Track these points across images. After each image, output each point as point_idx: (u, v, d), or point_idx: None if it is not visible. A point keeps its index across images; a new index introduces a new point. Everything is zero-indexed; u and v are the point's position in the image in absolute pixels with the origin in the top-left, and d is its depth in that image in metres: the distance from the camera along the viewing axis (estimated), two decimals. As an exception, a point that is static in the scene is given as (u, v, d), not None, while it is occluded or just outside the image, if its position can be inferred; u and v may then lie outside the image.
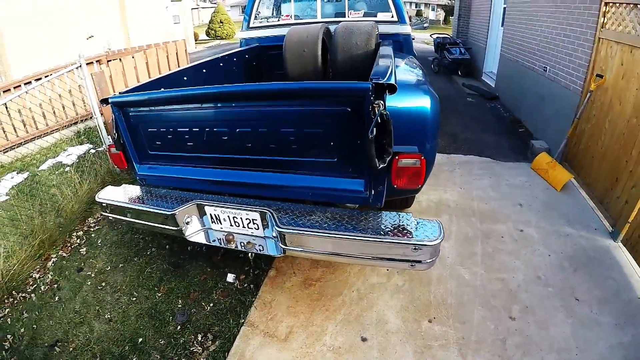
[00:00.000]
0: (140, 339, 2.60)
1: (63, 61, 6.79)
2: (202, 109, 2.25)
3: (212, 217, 2.40)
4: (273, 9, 4.87)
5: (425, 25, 30.40)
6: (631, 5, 3.28)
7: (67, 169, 4.98)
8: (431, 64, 11.05)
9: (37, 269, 3.36)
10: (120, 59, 5.48)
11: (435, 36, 11.26)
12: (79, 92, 6.29)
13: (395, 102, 2.10)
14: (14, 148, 5.87)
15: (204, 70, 3.47)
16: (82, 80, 4.51)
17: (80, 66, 4.41)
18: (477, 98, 7.86)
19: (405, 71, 2.96)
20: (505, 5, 7.69)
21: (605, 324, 2.42)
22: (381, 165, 1.86)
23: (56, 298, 3.05)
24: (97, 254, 3.50)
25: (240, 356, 2.34)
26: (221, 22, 24.33)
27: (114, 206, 2.62)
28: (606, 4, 3.70)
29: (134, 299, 2.94)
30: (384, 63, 2.34)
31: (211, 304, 2.81)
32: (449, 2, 31.57)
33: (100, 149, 5.15)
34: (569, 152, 4.38)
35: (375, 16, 4.21)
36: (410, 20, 4.32)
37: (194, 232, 2.45)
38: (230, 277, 3.00)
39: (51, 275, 3.30)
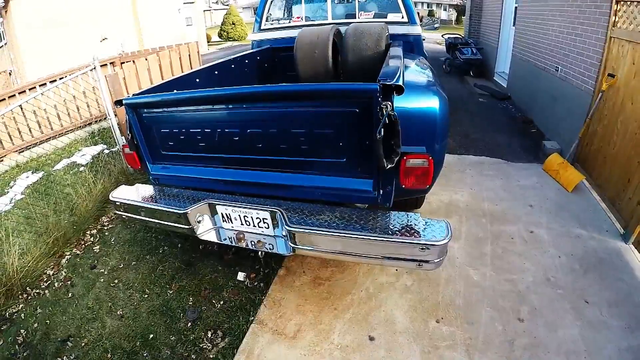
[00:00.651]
0: (151, 335, 2.64)
1: (77, 63, 6.91)
2: (214, 110, 2.29)
3: (223, 216, 2.44)
4: (284, 11, 4.91)
5: (436, 25, 30.20)
6: (643, 4, 3.25)
7: (82, 168, 5.07)
8: (443, 65, 10.99)
9: (51, 266, 3.44)
10: (133, 61, 5.56)
11: (446, 36, 11.20)
12: (92, 94, 6.40)
13: (404, 102, 2.11)
14: (30, 148, 6.00)
15: (216, 72, 3.51)
16: (96, 82, 4.59)
17: (95, 68, 4.49)
18: (488, 98, 7.80)
19: (415, 72, 2.96)
20: (516, 5, 7.63)
21: (614, 327, 2.40)
22: (389, 166, 1.87)
23: (69, 294, 3.12)
24: (110, 251, 3.57)
25: (249, 353, 2.37)
26: (233, 24, 24.49)
27: (128, 205, 2.67)
28: (617, 2, 3.66)
29: (146, 296, 2.99)
30: (393, 64, 2.35)
31: (221, 302, 2.84)
32: (461, 2, 31.35)
33: (114, 150, 5.23)
34: (581, 153, 4.33)
35: (386, 17, 4.22)
36: (421, 21, 4.32)
37: (206, 230, 2.49)
38: (240, 276, 3.04)
39: (65, 272, 3.37)
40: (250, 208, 2.31)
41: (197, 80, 3.23)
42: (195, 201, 2.45)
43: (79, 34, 10.77)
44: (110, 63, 7.48)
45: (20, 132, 6.00)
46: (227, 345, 2.50)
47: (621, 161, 3.47)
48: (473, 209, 3.69)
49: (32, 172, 5.38)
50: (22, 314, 2.98)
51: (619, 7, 3.66)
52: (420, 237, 1.93)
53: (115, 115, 4.63)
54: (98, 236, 3.83)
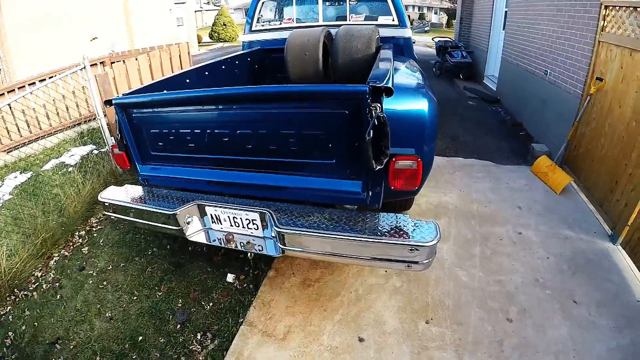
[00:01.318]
0: (140, 337, 2.62)
1: (67, 63, 6.83)
2: (204, 111, 2.28)
3: (212, 217, 2.43)
4: (275, 13, 4.91)
5: (426, 28, 30.38)
6: (631, 9, 3.30)
7: (70, 169, 5.02)
8: (433, 68, 11.06)
9: (39, 268, 3.39)
10: (123, 61, 5.51)
11: (437, 39, 11.27)
12: (82, 94, 6.34)
13: (393, 104, 2.12)
14: (18, 148, 5.92)
15: (206, 73, 3.50)
16: (86, 82, 4.55)
17: (84, 68, 4.45)
18: (478, 101, 7.87)
19: (405, 74, 2.98)
20: (506, 9, 7.71)
21: (603, 327, 2.43)
22: (378, 167, 1.88)
23: (58, 296, 3.08)
24: (99, 253, 3.53)
25: (239, 355, 2.36)
26: (224, 25, 24.39)
27: (116, 206, 2.65)
28: (606, 7, 3.71)
29: (135, 298, 2.96)
30: (383, 66, 2.36)
31: (211, 304, 2.83)
32: (452, 5, 31.59)
33: (103, 150, 5.18)
34: (569, 155, 4.38)
35: (377, 20, 4.24)
36: (411, 24, 4.34)
37: (195, 231, 2.48)
38: (230, 277, 3.03)
39: (53, 273, 3.33)
40: (239, 209, 2.30)
41: (187, 80, 3.21)
42: (185, 202, 2.44)
43: (70, 33, 10.65)
44: (101, 63, 7.40)
45: (8, 132, 5.92)
46: (217, 347, 2.48)
47: (609, 163, 3.52)
48: (462, 210, 3.71)
49: (21, 172, 5.31)
50: (10, 316, 2.93)
51: (607, 12, 3.72)
52: (409, 238, 1.94)
53: (105, 115, 4.59)
54: (87, 237, 3.79)
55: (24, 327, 2.83)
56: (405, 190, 2.11)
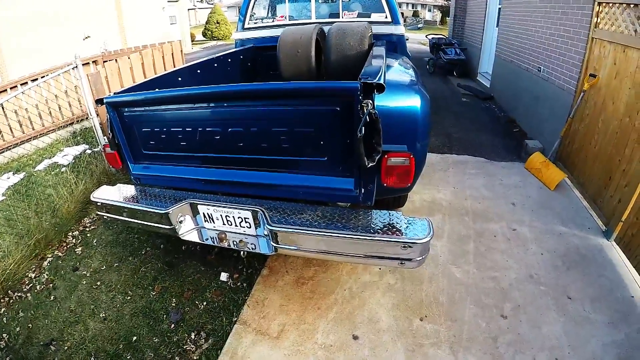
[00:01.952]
0: (134, 337, 2.61)
1: (59, 62, 6.79)
2: (195, 109, 2.27)
3: (205, 216, 2.42)
4: (268, 10, 4.89)
5: (419, 25, 30.42)
6: (624, 5, 3.30)
7: (63, 169, 4.98)
8: (426, 65, 11.08)
9: (33, 269, 3.37)
10: (116, 60, 5.47)
11: (430, 37, 11.28)
12: (75, 93, 6.29)
13: (385, 101, 2.12)
14: (10, 148, 5.88)
15: (199, 71, 3.48)
16: (78, 81, 4.51)
17: (77, 67, 4.42)
18: (472, 98, 7.88)
19: (397, 71, 2.97)
20: (500, 6, 7.72)
21: (598, 323, 2.43)
22: (370, 164, 1.87)
23: (52, 297, 3.06)
24: (93, 253, 3.51)
25: (233, 354, 2.36)
26: (218, 23, 24.30)
27: (109, 205, 2.64)
28: (599, 3, 3.72)
29: (129, 297, 2.95)
30: (375, 63, 2.36)
31: (204, 303, 2.82)
32: (445, 3, 31.61)
33: (96, 150, 5.15)
34: (563, 152, 4.40)
35: (369, 17, 4.23)
36: (404, 21, 4.34)
37: (187, 230, 2.47)
38: (223, 276, 3.02)
39: (47, 274, 3.31)
40: (231, 207, 2.29)
41: (180, 79, 3.20)
42: (177, 201, 2.43)
43: (62, 32, 10.58)
44: (93, 62, 7.36)
45: (0, 133, 5.87)
46: (211, 347, 2.48)
47: (602, 159, 3.53)
48: (456, 207, 3.72)
49: (13, 173, 5.28)
50: (4, 318, 2.92)
51: (600, 8, 3.73)
52: (402, 235, 1.94)
53: (97, 114, 4.56)
54: (80, 238, 3.77)
55: (18, 329, 2.81)
56: (398, 187, 2.10)
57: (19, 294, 3.12)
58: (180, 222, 2.41)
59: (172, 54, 6.63)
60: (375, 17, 4.19)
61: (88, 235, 3.80)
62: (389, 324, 2.50)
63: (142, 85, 2.82)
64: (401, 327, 2.47)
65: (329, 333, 2.46)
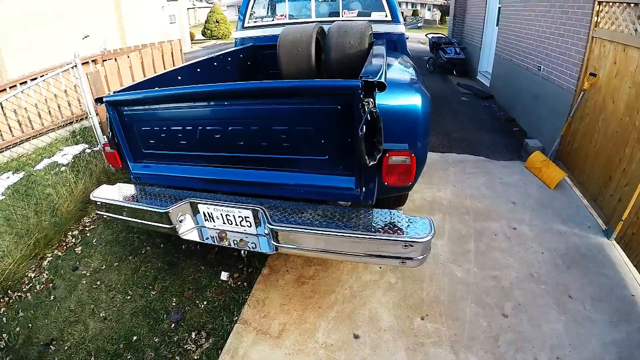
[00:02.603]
0: (134, 337, 2.60)
1: (59, 61, 6.77)
2: (196, 108, 2.26)
3: (205, 215, 2.41)
4: (268, 9, 4.88)
5: (419, 24, 30.39)
6: (624, 5, 3.31)
7: (63, 168, 4.97)
8: (426, 64, 11.08)
9: (33, 268, 3.36)
10: (115, 59, 5.48)
11: (430, 36, 11.28)
12: (74, 92, 6.27)
13: (386, 100, 2.11)
14: (10, 148, 5.86)
15: (199, 70, 3.48)
16: (78, 80, 4.50)
17: (76, 66, 4.41)
18: (471, 97, 7.88)
19: (398, 70, 2.97)
20: (500, 5, 7.72)
21: (598, 321, 2.44)
22: (371, 163, 1.87)
23: (51, 297, 3.05)
24: (93, 253, 3.50)
25: (234, 353, 2.35)
26: (217, 22, 24.28)
27: (108, 205, 2.63)
28: (599, 3, 3.73)
29: (129, 297, 2.94)
30: (376, 62, 2.36)
31: (205, 302, 2.82)
32: (445, 2, 31.61)
33: (95, 149, 5.13)
34: (563, 151, 4.40)
35: (369, 16, 4.22)
36: (404, 20, 4.33)
37: (188, 230, 2.46)
38: (224, 275, 3.01)
39: (46, 274, 3.30)
40: (232, 207, 2.28)
41: (179, 78, 3.19)
42: (177, 200, 2.42)
43: (61, 31, 10.55)
44: (92, 61, 7.34)
45: (0, 132, 5.85)
46: (212, 346, 2.47)
47: (602, 159, 3.53)
48: (456, 206, 3.72)
49: (13, 173, 5.26)
50: (4, 318, 2.91)
51: (600, 7, 3.73)
52: (403, 234, 1.94)
53: (97, 113, 4.55)
54: (80, 237, 3.76)
55: (18, 329, 2.80)
56: (399, 186, 2.10)
57: (19, 294, 3.11)
58: (181, 221, 2.40)
59: (172, 53, 6.63)
60: (375, 15, 4.19)
61: (88, 234, 3.79)
62: (390, 323, 2.50)
63: (142, 84, 2.82)
64: (402, 326, 2.47)
65: (330, 332, 2.45)
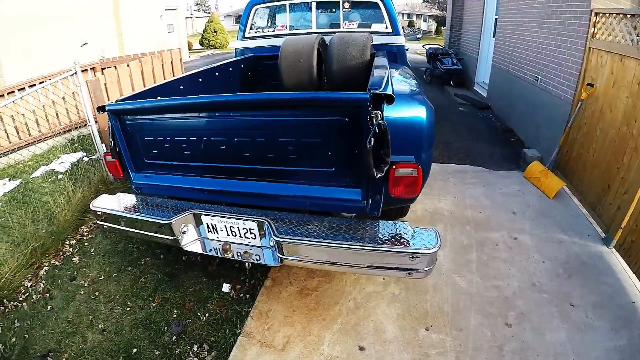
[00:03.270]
0: (134, 350, 2.56)
1: (57, 68, 6.75)
2: (200, 118, 2.25)
3: (208, 227, 2.39)
4: (268, 20, 4.90)
5: (418, 36, 30.71)
6: (621, 16, 3.37)
7: (60, 176, 4.94)
8: (424, 75, 11.15)
9: (29, 278, 3.30)
10: (115, 67, 5.47)
11: (427, 47, 11.38)
12: (72, 99, 6.26)
13: (391, 112, 2.12)
14: (7, 154, 5.80)
15: (200, 80, 3.47)
16: (77, 88, 4.48)
17: (76, 73, 4.39)
18: (469, 108, 7.94)
19: (401, 81, 2.99)
20: (496, 17, 7.81)
21: (600, 329, 2.45)
22: (379, 175, 1.87)
23: (48, 307, 2.99)
24: (91, 263, 3.46)
25: (237, 366, 2.33)
26: (215, 32, 24.33)
27: (109, 215, 2.59)
28: (596, 14, 3.78)
29: (128, 309, 2.90)
30: (381, 74, 2.36)
31: (207, 314, 2.78)
32: (441, 13, 31.93)
33: (93, 157, 5.10)
34: (561, 160, 4.43)
35: (370, 27, 4.26)
36: (403, 31, 4.37)
37: (190, 241, 2.43)
38: (225, 287, 2.98)
39: (43, 284, 3.24)
40: (236, 218, 2.26)
41: (181, 87, 3.18)
42: (180, 211, 2.40)
43: (60, 38, 10.53)
44: (91, 68, 7.34)
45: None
46: (214, 359, 2.44)
47: (601, 167, 3.56)
48: (457, 216, 3.72)
49: (9, 180, 5.20)
50: None
51: (597, 18, 3.79)
52: (410, 245, 1.93)
53: (96, 121, 4.53)
54: (77, 247, 3.71)
55: (14, 339, 2.74)
56: (405, 197, 2.10)
57: (15, 303, 3.05)
58: (183, 232, 2.37)
59: (172, 62, 6.64)
60: (375, 27, 4.22)
61: (86, 244, 3.75)
62: (394, 334, 2.48)
63: (144, 93, 2.80)
64: (407, 337, 2.45)
65: (334, 344, 2.43)
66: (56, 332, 2.76)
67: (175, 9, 19.96)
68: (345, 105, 1.92)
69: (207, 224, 2.38)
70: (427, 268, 1.95)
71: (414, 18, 43.00)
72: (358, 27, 4.35)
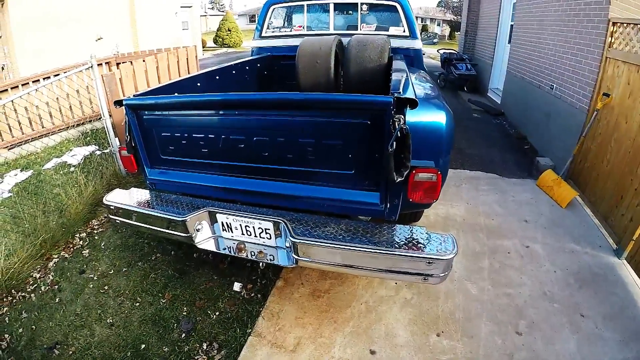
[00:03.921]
0: (143, 345, 2.55)
1: (71, 61, 6.79)
2: (220, 116, 2.25)
3: (223, 225, 2.38)
4: (285, 19, 4.90)
5: (435, 40, 30.43)
6: (639, 26, 3.33)
7: (72, 169, 4.95)
8: (437, 79, 11.11)
9: (38, 269, 3.32)
10: (131, 62, 5.48)
11: (442, 51, 11.35)
12: (86, 93, 6.29)
13: (410, 116, 2.10)
14: (20, 145, 5.85)
15: (217, 77, 3.48)
16: (92, 81, 4.50)
17: (92, 67, 4.41)
18: (482, 114, 7.90)
19: (420, 86, 2.97)
20: (512, 23, 7.77)
21: (610, 340, 2.44)
22: (399, 179, 1.86)
23: (57, 299, 3.00)
24: (100, 256, 3.47)
25: (247, 366, 2.32)
26: (229, 30, 24.44)
27: (123, 210, 2.59)
28: (614, 24, 3.75)
29: (137, 304, 2.90)
30: (402, 77, 2.35)
31: (217, 313, 2.77)
32: (455, 17, 31.76)
33: (106, 151, 5.12)
34: (574, 170, 4.39)
35: (387, 30, 4.25)
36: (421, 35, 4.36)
37: (204, 239, 2.43)
38: (237, 286, 2.96)
39: (52, 275, 3.25)
40: (252, 218, 2.26)
41: (198, 84, 3.19)
42: (194, 208, 2.40)
43: (75, 32, 10.62)
44: (106, 63, 7.38)
45: (10, 128, 5.84)
46: (224, 358, 2.43)
47: (614, 178, 3.52)
48: (470, 223, 3.71)
49: (21, 170, 5.23)
50: (7, 318, 2.85)
51: (615, 28, 3.75)
52: (426, 251, 1.92)
53: (110, 115, 4.55)
54: (88, 240, 3.72)
55: (20, 330, 2.75)
56: (424, 202, 2.09)
57: (23, 294, 3.06)
58: (198, 230, 2.37)
59: (187, 59, 6.65)
60: (393, 30, 4.21)
61: (96, 237, 3.76)
62: (406, 339, 2.47)
63: (161, 89, 2.80)
64: (418, 343, 2.44)
65: (346, 347, 2.42)
66: (64, 325, 2.76)
67: (190, 7, 20.02)
68: (368, 108, 1.91)
69: (222, 222, 2.38)
70: (443, 274, 1.94)
71: (428, 22, 42.83)
72: (375, 29, 4.34)
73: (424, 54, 4.28)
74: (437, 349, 2.39)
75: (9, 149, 5.82)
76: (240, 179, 2.37)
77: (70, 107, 6.37)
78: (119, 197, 2.69)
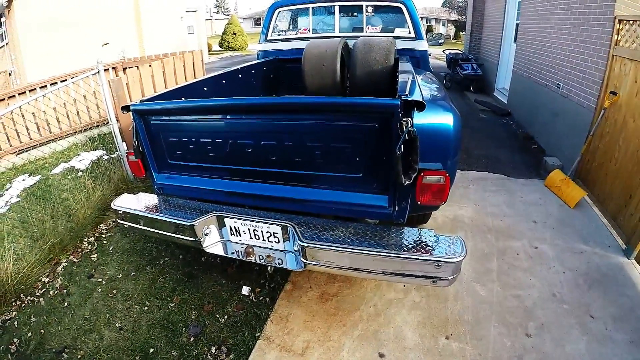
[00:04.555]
0: (151, 350, 2.56)
1: (78, 67, 6.85)
2: (227, 120, 2.26)
3: (231, 229, 2.39)
4: (291, 22, 4.91)
5: (440, 41, 30.30)
6: (645, 23, 3.30)
7: (80, 174, 4.99)
8: (443, 80, 11.07)
9: (47, 273, 3.34)
10: (137, 67, 5.52)
11: (447, 52, 11.31)
12: (93, 98, 6.33)
13: (418, 118, 2.10)
14: (27, 150, 5.90)
15: (224, 81, 3.49)
16: (99, 86, 4.53)
17: (98, 72, 4.44)
18: (489, 114, 7.85)
19: (427, 88, 2.96)
20: (518, 22, 7.73)
21: (619, 341, 2.41)
22: (407, 182, 1.85)
23: (65, 303, 3.02)
24: (109, 261, 3.48)
25: (256, 370, 2.32)
26: (234, 34, 24.54)
27: (131, 214, 2.60)
28: (620, 21, 3.72)
29: (146, 308, 2.91)
30: (408, 79, 2.34)
31: (226, 317, 2.78)
32: (459, 18, 31.67)
33: (113, 155, 5.15)
34: (582, 169, 4.36)
35: (393, 32, 4.24)
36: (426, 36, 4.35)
37: (212, 243, 2.44)
38: (245, 290, 2.97)
39: (61, 280, 3.27)
40: (260, 222, 2.26)
41: (205, 88, 3.20)
42: (202, 213, 2.40)
43: (81, 38, 10.72)
44: (112, 68, 7.43)
45: (18, 134, 5.89)
46: (233, 361, 2.43)
47: (623, 177, 3.49)
48: (478, 224, 3.69)
49: (29, 175, 5.28)
50: (16, 322, 2.87)
51: (621, 26, 3.72)
52: (435, 253, 1.91)
53: (118, 120, 4.57)
54: (96, 244, 3.74)
55: (29, 334, 2.76)
56: (432, 204, 2.08)
57: (32, 298, 3.08)
58: (206, 234, 2.38)
59: (193, 63, 6.67)
60: (398, 32, 4.20)
61: (104, 242, 3.78)
62: (414, 341, 2.46)
63: (168, 94, 2.82)
64: (427, 346, 2.43)
65: (354, 351, 2.41)
66: (72, 329, 2.78)
67: (195, 11, 20.14)
68: (375, 111, 1.91)
69: (230, 226, 2.38)
70: (452, 276, 1.93)
71: (433, 22, 42.72)
72: (381, 31, 4.34)
73: (429, 55, 4.27)
74: (446, 351, 2.38)
75: (17, 155, 5.87)
76: (247, 183, 2.37)
77: (78, 112, 6.41)
78: (127, 202, 2.71)
